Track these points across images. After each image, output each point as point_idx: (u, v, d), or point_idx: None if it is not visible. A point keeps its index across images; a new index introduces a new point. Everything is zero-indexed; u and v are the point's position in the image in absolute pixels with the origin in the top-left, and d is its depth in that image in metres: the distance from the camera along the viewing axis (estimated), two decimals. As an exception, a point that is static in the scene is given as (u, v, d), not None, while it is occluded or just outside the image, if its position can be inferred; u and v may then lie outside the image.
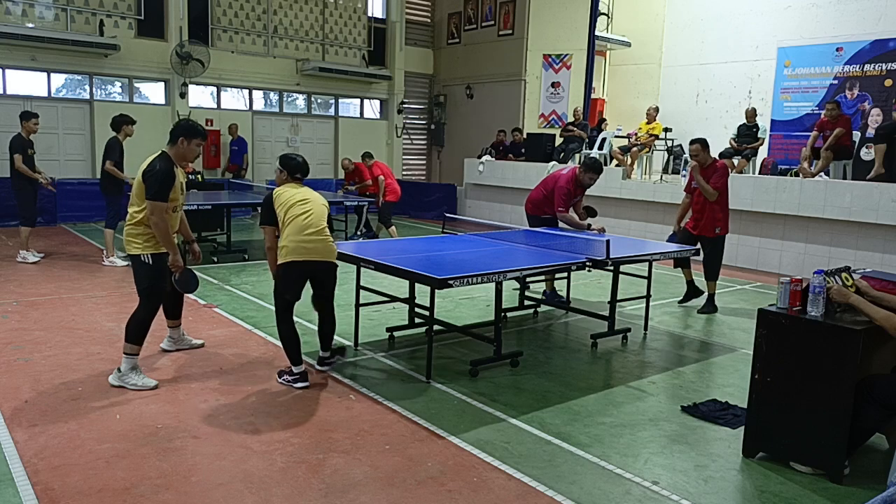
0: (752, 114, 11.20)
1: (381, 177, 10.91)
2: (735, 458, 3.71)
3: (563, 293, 7.15)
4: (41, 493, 3.06)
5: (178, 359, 5.01)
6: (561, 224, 7.05)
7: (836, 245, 9.12)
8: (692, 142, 7.04)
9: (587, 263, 5.21)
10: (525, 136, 14.36)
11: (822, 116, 10.04)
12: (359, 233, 11.35)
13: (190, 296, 6.26)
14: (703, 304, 7.15)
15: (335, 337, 4.95)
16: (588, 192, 7.27)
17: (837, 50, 12.10)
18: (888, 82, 11.50)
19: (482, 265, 4.88)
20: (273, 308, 4.66)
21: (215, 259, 8.88)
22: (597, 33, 14.04)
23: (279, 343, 5.37)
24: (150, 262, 4.40)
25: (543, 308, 6.94)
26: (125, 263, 8.23)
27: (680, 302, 7.34)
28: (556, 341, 5.99)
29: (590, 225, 6.98)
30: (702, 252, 7.05)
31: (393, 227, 10.81)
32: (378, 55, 16.71)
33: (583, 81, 13.99)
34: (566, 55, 15.39)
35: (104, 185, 8.36)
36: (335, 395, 4.38)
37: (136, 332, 4.39)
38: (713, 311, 7.07)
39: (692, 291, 7.25)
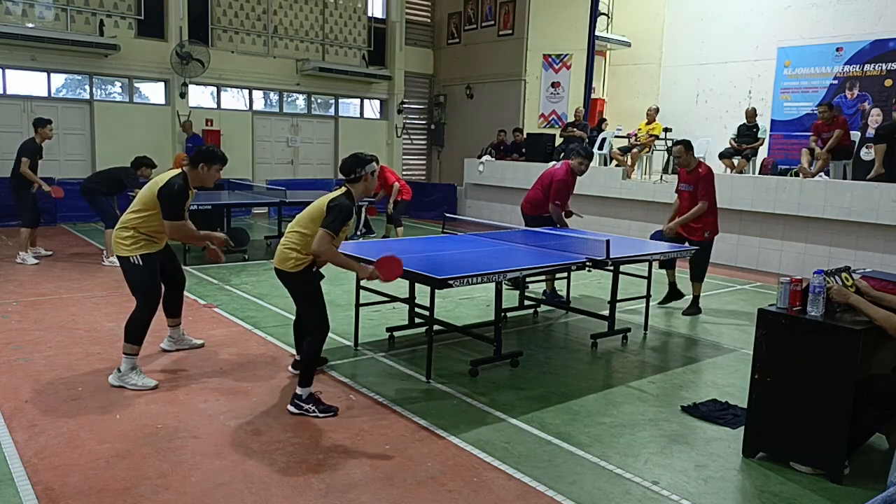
0: (752, 114, 11.19)
1: (396, 183, 10.98)
2: (735, 458, 3.71)
3: (563, 293, 7.15)
4: (41, 493, 3.06)
5: (178, 359, 5.01)
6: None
7: (836, 245, 9.12)
8: (675, 143, 7.07)
9: (587, 263, 5.22)
10: (525, 136, 14.37)
11: (817, 119, 9.99)
12: (358, 233, 11.40)
13: (190, 295, 6.26)
14: (687, 306, 7.09)
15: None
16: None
17: (837, 50, 12.10)
18: (888, 82, 11.50)
19: (482, 265, 4.88)
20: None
21: (215, 259, 8.86)
22: (597, 33, 14.05)
23: (280, 343, 5.41)
24: (140, 263, 4.42)
25: (543, 308, 6.94)
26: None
27: (660, 303, 7.22)
28: (556, 341, 5.99)
29: (570, 213, 7.31)
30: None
31: (401, 228, 10.93)
32: (378, 55, 16.71)
33: (583, 81, 14.00)
34: (566, 55, 15.39)
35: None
36: (335, 395, 4.38)
37: (135, 332, 4.39)
38: (697, 313, 7.00)
39: (673, 294, 7.21)
